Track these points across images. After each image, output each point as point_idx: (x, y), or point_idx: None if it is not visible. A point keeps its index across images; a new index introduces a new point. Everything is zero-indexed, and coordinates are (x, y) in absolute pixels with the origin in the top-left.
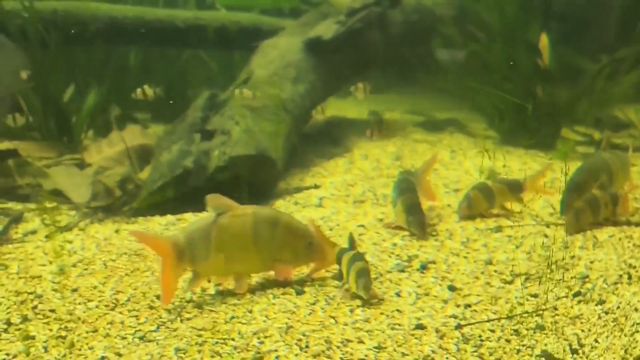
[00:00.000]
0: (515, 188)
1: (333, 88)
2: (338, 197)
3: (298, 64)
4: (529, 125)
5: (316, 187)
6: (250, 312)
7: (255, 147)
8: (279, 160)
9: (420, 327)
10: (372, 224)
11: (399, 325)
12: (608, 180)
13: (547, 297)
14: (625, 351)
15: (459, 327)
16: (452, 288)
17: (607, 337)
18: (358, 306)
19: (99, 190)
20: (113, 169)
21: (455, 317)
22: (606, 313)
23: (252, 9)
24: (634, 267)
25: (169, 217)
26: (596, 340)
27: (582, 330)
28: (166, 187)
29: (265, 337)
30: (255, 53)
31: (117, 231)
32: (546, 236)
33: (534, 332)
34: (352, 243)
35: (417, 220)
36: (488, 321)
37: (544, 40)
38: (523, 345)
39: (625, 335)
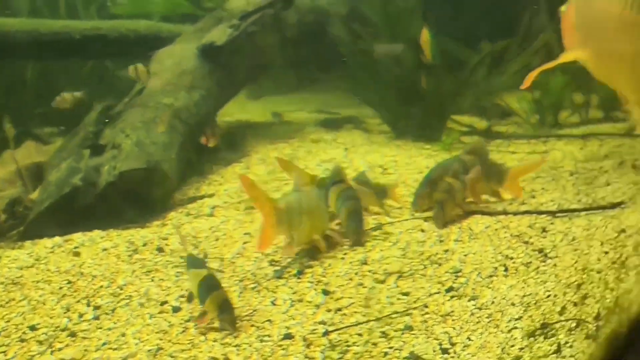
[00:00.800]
0: (380, 193)
1: (230, 93)
2: (230, 205)
3: (193, 71)
4: (416, 118)
5: (209, 196)
6: (124, 335)
7: (147, 160)
8: (172, 171)
9: (288, 336)
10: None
11: (269, 336)
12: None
13: (417, 295)
14: (502, 349)
15: (326, 333)
16: (326, 292)
17: (481, 334)
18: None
19: None
20: (4, 191)
21: (324, 323)
22: (480, 309)
23: (152, 16)
24: (511, 259)
25: (57, 239)
26: (469, 338)
27: (454, 328)
28: (54, 207)
29: None
30: (150, 62)
31: None
32: (423, 231)
33: (402, 333)
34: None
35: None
36: (356, 325)
37: (425, 35)
38: (390, 348)
39: (501, 332)
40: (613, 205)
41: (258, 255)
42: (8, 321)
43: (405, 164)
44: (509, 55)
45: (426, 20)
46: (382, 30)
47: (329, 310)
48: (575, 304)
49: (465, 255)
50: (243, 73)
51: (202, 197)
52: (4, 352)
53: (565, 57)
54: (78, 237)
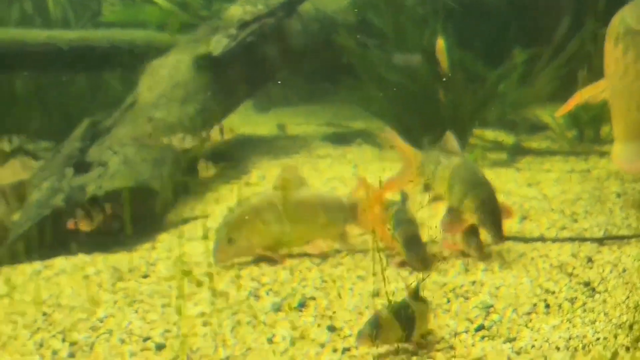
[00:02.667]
0: None
1: (228, 106)
2: None
3: (187, 83)
4: (434, 133)
5: (204, 217)
6: None
7: (135, 178)
8: (164, 190)
9: None
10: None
11: None
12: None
13: (441, 335)
14: None
15: None
16: (331, 328)
17: None
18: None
19: None
20: None
21: None
22: (518, 353)
23: (147, 26)
24: (552, 293)
25: (36, 265)
26: None
27: None
28: (33, 230)
29: None
30: (143, 73)
31: None
32: (444, 259)
33: None
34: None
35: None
36: None
37: (440, 45)
38: None
39: None
40: None
41: (254, 286)
42: None
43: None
44: (539, 66)
45: (444, 30)
46: (393, 41)
47: (335, 350)
48: (627, 349)
49: (496, 288)
50: (243, 85)
51: (196, 218)
52: None
53: (599, 86)
54: (60, 262)
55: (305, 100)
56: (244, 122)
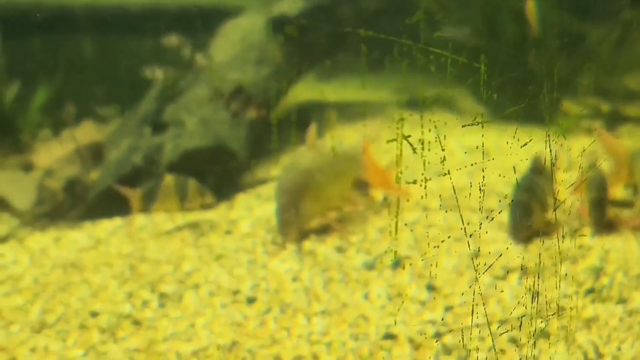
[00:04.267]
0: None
1: (302, 69)
2: None
3: (261, 45)
4: (523, 99)
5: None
6: (193, 326)
7: (213, 138)
8: (241, 151)
9: (389, 336)
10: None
11: (365, 334)
12: None
13: (550, 296)
14: None
15: (438, 335)
16: (431, 287)
17: (632, 344)
18: (316, 314)
19: (45, 194)
20: (63, 171)
21: (433, 322)
22: (630, 314)
23: None
24: None
25: (117, 221)
26: (619, 349)
27: (600, 337)
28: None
29: (206, 356)
30: (215, 36)
31: (57, 240)
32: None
33: (536, 340)
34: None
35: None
36: (473, 327)
37: (530, 6)
38: (524, 357)
39: None
40: None
41: (342, 245)
42: (67, 306)
43: (510, 149)
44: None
45: None
46: (480, 2)
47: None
48: None
49: (606, 252)
50: (317, 48)
51: (272, 180)
52: (63, 338)
53: None
54: (139, 219)
55: (372, 69)
56: (308, 89)
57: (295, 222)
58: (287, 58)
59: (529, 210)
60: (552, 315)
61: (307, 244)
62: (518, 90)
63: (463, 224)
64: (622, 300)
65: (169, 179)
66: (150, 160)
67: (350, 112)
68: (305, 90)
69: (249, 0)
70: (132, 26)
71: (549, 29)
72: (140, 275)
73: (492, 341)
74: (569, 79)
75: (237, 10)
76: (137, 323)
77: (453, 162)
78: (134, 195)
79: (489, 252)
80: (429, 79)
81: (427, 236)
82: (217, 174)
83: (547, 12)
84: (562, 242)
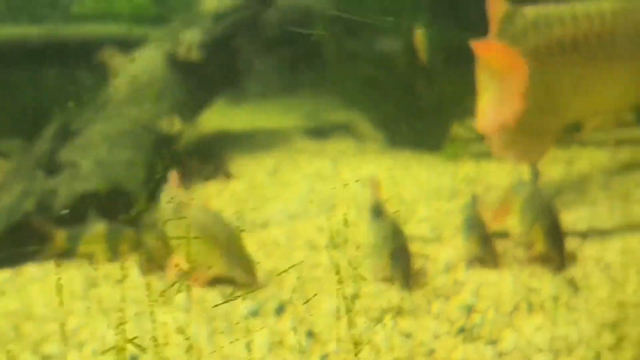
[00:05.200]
0: None
1: (205, 101)
2: None
3: (161, 79)
4: (414, 125)
5: (180, 218)
6: None
7: (108, 180)
8: (138, 191)
9: None
10: None
11: None
12: None
13: (421, 338)
14: None
15: None
16: (310, 334)
17: None
18: None
19: None
20: None
21: None
22: (500, 355)
23: (123, 19)
24: (535, 291)
25: (7, 273)
26: None
27: None
28: (4, 236)
29: None
30: (117, 70)
31: None
32: (427, 257)
33: None
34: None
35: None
36: None
37: (419, 35)
38: None
39: None
40: None
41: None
42: None
43: (401, 177)
44: None
45: (432, 12)
46: (371, 30)
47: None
48: (610, 349)
49: (478, 288)
50: (219, 79)
51: (170, 219)
52: None
53: None
54: (31, 269)
55: (282, 92)
56: (219, 116)
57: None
58: (188, 91)
59: (408, 254)
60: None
61: (196, 292)
62: (410, 117)
63: (335, 267)
64: (492, 341)
65: (100, 227)
66: (44, 206)
67: (253, 141)
68: (216, 117)
69: (153, 30)
70: (33, 58)
71: (440, 54)
72: (23, 335)
73: None
74: (458, 102)
75: (141, 42)
76: None
77: (346, 194)
78: (58, 234)
79: (370, 292)
80: (332, 104)
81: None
82: (114, 216)
83: (437, 38)
84: (437, 278)
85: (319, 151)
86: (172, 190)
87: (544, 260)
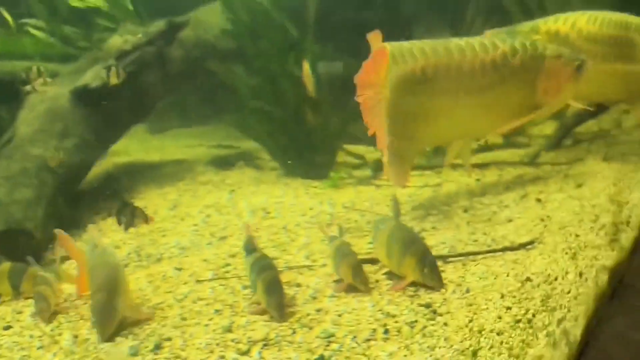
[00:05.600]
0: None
1: (110, 138)
2: None
3: (66, 116)
4: (304, 155)
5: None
6: None
7: (6, 220)
8: (38, 230)
9: None
10: None
11: None
12: None
13: None
14: None
15: None
16: None
17: None
18: None
19: None
20: None
21: None
22: None
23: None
24: (393, 317)
25: None
26: None
27: None
28: None
29: None
30: (22, 107)
31: None
32: (298, 285)
33: None
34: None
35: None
36: None
37: (305, 68)
38: None
39: None
40: (517, 247)
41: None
42: None
43: (290, 206)
44: None
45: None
46: (261, 65)
47: None
48: None
49: (339, 316)
50: (124, 115)
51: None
52: None
53: None
54: None
55: (199, 121)
56: (139, 146)
57: (112, 320)
58: (93, 128)
59: (281, 288)
60: None
61: (83, 332)
62: (301, 147)
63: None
64: None
65: (4, 265)
66: None
67: (161, 173)
68: (135, 146)
69: (62, 67)
70: None
71: (327, 84)
72: None
73: None
74: (343, 131)
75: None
76: None
77: (238, 226)
78: None
79: (243, 325)
80: (237, 135)
81: (192, 311)
82: (14, 256)
83: (324, 70)
84: (305, 307)
85: (221, 182)
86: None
87: (421, 286)
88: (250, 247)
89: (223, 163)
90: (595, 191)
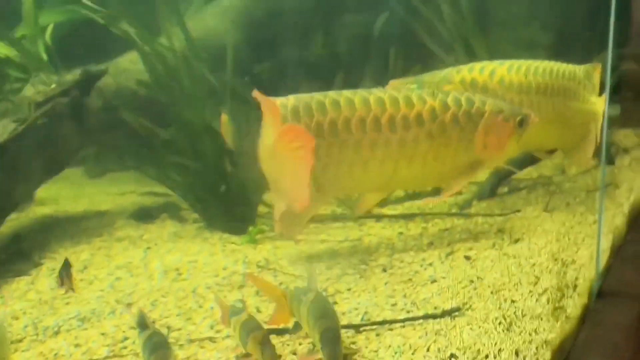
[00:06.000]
0: None
1: (22, 194)
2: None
3: None
4: (223, 208)
5: None
6: None
7: None
8: None
9: None
10: None
11: None
12: None
13: None
14: None
15: None
16: None
17: None
18: None
19: None
20: None
21: None
22: None
23: None
24: None
25: None
26: None
27: None
28: None
29: None
30: None
31: None
32: None
33: None
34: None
35: None
36: None
37: (224, 120)
38: None
39: None
40: (441, 314)
41: None
42: None
43: (203, 265)
44: None
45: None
46: (178, 117)
47: None
48: None
49: None
50: (37, 170)
51: None
52: None
53: None
54: None
55: (115, 175)
56: (71, 191)
57: None
58: (2, 187)
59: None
60: None
61: None
62: (220, 200)
63: None
64: None
65: None
66: None
67: (80, 227)
68: (69, 191)
69: None
70: None
71: (245, 138)
72: None
73: None
74: (264, 184)
75: None
76: None
77: (146, 289)
78: None
79: None
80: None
81: None
82: None
83: (243, 123)
84: None
85: (139, 238)
86: None
87: None
88: (143, 323)
89: (146, 215)
90: (535, 248)
